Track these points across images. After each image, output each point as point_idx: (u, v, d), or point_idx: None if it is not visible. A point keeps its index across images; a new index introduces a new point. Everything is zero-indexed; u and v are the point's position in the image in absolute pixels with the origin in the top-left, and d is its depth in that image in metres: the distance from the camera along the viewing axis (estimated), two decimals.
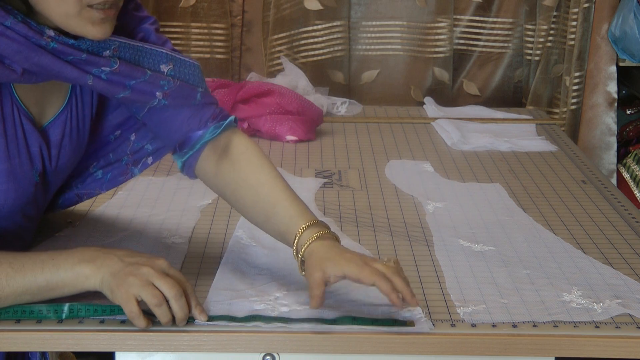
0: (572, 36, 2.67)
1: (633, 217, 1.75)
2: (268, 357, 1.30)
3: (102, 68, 1.29)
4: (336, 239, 1.34)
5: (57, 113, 1.39)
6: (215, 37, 2.78)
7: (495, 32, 2.80)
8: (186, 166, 1.46)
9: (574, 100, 2.70)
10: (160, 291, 1.23)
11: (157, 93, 1.36)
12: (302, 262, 1.31)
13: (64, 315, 1.26)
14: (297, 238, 1.32)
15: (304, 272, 1.32)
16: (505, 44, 2.81)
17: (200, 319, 1.27)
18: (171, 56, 1.38)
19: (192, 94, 1.41)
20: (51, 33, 1.24)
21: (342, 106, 2.58)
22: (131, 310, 1.23)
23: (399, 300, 1.24)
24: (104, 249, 1.29)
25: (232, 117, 1.46)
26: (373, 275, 1.25)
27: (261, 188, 1.40)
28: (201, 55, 2.78)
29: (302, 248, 1.31)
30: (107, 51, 1.29)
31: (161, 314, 1.24)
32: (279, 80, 2.52)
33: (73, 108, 1.41)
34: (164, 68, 1.37)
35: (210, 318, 1.28)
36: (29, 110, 1.34)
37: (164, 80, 1.36)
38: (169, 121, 1.42)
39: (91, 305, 1.27)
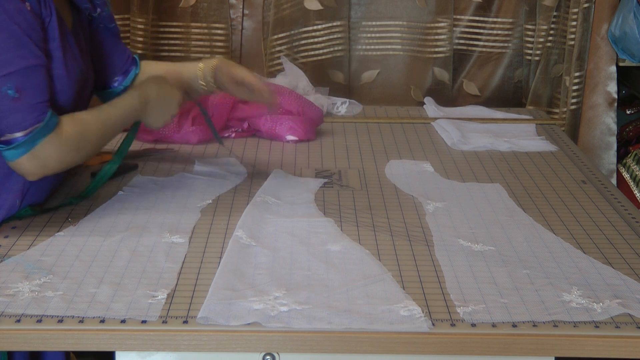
0: (572, 36, 2.67)
1: (633, 217, 1.75)
2: (268, 357, 1.30)
3: None
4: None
5: (72, 20, 1.70)
6: (215, 37, 2.78)
7: (495, 32, 2.80)
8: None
9: (574, 100, 2.69)
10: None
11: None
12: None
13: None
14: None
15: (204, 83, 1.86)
16: (505, 44, 2.81)
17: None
18: None
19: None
20: None
21: (342, 106, 2.58)
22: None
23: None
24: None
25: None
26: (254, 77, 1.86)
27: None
28: (201, 55, 2.77)
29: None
30: None
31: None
32: (279, 80, 2.52)
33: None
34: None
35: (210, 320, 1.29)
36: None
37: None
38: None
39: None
